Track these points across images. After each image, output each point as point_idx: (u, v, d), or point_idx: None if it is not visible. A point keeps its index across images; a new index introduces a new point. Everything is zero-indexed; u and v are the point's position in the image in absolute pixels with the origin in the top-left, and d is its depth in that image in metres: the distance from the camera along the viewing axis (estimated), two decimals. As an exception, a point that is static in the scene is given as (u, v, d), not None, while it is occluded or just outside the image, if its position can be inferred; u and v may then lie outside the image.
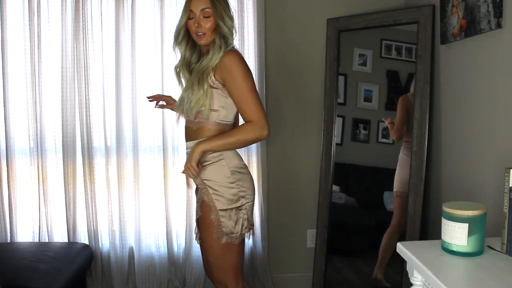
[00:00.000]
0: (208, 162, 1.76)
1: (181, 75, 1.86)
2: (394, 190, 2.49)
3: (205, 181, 1.76)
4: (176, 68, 1.88)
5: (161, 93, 2.45)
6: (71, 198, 2.60)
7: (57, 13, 2.52)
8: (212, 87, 1.73)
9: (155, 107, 2.10)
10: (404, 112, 2.47)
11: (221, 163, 1.76)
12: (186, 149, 1.87)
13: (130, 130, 2.61)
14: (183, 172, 1.77)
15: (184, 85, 1.85)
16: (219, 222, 1.74)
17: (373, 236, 2.58)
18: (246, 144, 1.80)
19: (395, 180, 2.48)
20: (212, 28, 1.73)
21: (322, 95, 2.69)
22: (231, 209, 1.75)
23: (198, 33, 1.74)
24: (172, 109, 2.09)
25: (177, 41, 1.82)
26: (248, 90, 1.70)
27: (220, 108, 1.76)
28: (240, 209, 1.77)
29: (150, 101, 2.09)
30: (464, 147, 2.07)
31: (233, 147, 1.78)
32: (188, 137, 1.84)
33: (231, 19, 1.78)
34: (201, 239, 1.84)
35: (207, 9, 1.71)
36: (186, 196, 2.66)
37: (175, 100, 2.01)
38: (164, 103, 2.10)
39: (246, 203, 1.79)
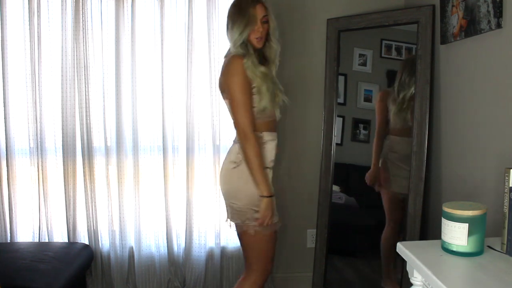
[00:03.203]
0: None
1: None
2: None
3: None
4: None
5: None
6: (71, 198, 2.60)
7: (57, 13, 2.52)
8: None
9: None
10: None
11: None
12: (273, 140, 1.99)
13: (130, 130, 2.61)
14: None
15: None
16: None
17: (373, 236, 2.58)
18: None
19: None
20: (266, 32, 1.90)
21: (322, 95, 2.69)
22: None
23: (257, 37, 1.88)
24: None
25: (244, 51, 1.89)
26: None
27: None
28: None
29: None
30: (464, 147, 2.07)
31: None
32: (275, 128, 2.00)
33: (274, 21, 1.94)
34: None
35: (265, 16, 1.88)
36: (186, 196, 2.66)
37: None
38: None
39: None
